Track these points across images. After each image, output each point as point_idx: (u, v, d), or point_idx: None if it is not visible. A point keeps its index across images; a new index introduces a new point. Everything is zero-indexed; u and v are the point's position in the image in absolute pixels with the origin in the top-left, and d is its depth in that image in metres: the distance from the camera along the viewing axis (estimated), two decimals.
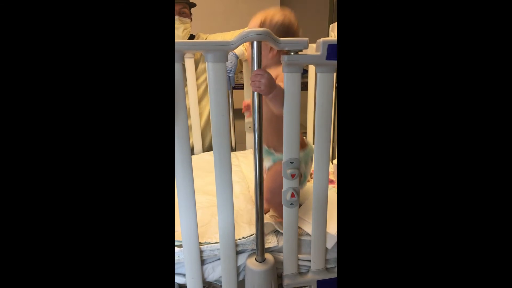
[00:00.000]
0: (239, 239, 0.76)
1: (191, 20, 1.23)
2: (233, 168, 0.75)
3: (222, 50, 0.58)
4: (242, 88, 1.40)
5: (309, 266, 0.79)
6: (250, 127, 1.42)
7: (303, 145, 0.87)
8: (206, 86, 1.33)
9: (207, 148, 1.41)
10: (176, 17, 1.15)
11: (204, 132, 1.38)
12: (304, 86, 1.31)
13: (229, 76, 1.09)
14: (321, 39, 0.60)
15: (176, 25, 1.17)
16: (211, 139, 1.26)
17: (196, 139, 1.37)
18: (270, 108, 0.72)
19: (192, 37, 1.28)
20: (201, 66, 1.31)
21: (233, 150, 1.42)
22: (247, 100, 1.16)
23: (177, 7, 1.15)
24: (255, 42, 0.58)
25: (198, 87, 1.32)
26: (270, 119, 0.79)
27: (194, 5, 1.20)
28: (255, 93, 0.63)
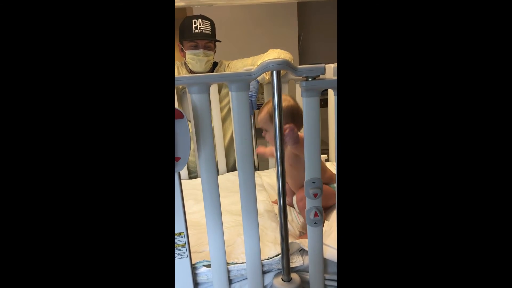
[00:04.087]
0: (265, 259, 0.78)
1: (215, 52, 1.31)
2: (257, 187, 0.78)
3: (244, 81, 0.63)
4: None
5: (336, 286, 0.78)
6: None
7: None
8: (229, 109, 1.40)
9: (231, 168, 1.45)
10: (201, 51, 1.24)
11: (228, 152, 1.43)
12: (324, 103, 1.34)
13: (251, 100, 1.14)
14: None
15: (200, 57, 1.25)
16: (234, 159, 1.29)
17: (220, 160, 1.42)
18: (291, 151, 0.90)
19: (215, 64, 1.36)
20: (224, 91, 1.38)
21: (256, 169, 1.45)
22: (261, 147, 1.21)
23: (203, 42, 1.24)
24: (274, 72, 0.62)
25: (221, 109, 1.38)
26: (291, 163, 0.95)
27: (219, 41, 1.29)
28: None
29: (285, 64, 0.61)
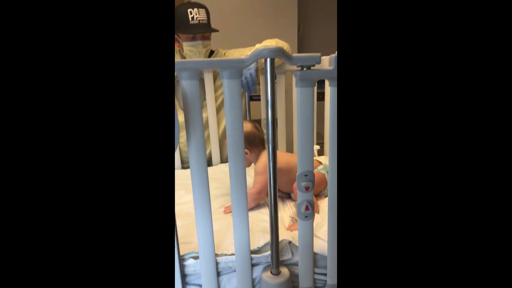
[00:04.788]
0: (254, 251, 0.76)
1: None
2: (248, 178, 0.77)
3: (236, 68, 0.60)
4: (259, 100, 1.43)
5: (325, 281, 0.78)
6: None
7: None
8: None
9: (226, 159, 1.43)
10: (200, 42, 1.20)
11: (222, 142, 1.41)
12: (321, 97, 1.32)
13: (250, 73, 1.08)
14: (334, 54, 0.61)
15: (199, 49, 1.22)
16: None
17: (214, 150, 1.40)
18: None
19: (211, 52, 1.33)
20: (220, 81, 1.36)
21: None
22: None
23: (200, 34, 1.20)
24: (268, 59, 0.60)
25: (216, 99, 1.36)
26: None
27: (217, 31, 1.25)
28: (268, 107, 0.65)
29: (279, 51, 0.58)
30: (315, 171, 1.03)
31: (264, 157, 0.99)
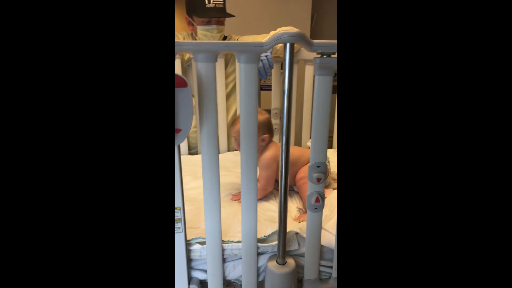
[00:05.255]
0: (261, 239, 0.76)
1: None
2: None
3: (254, 52, 0.58)
4: (270, 90, 1.40)
5: (331, 273, 0.77)
6: (276, 128, 1.41)
7: None
8: (234, 85, 1.35)
9: (233, 147, 1.42)
10: (215, 26, 1.18)
11: (230, 130, 1.40)
12: (334, 90, 1.29)
13: (266, 56, 1.05)
14: None
15: (214, 34, 1.19)
16: None
17: (221, 138, 1.39)
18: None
19: (224, 38, 1.31)
20: (231, 67, 1.33)
21: None
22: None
23: (215, 18, 1.17)
24: (288, 44, 0.58)
25: (226, 85, 1.34)
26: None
27: (233, 16, 1.22)
28: (285, 100, 0.63)
29: (300, 36, 0.56)
30: None
31: (270, 150, 0.97)
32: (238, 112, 1.35)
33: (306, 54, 1.13)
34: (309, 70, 1.26)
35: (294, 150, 0.99)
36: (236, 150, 1.31)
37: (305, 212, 0.92)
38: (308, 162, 1.05)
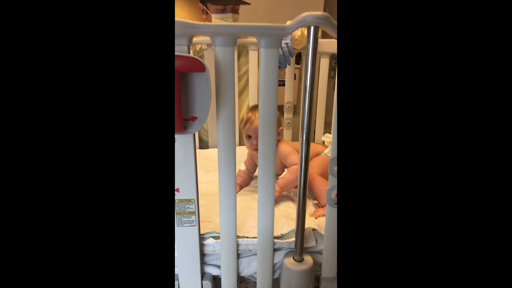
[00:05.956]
0: (277, 237, 0.73)
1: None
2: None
3: (276, 36, 0.55)
4: (283, 85, 1.36)
5: None
6: (288, 123, 1.38)
7: None
8: (247, 79, 1.32)
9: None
10: (230, 15, 1.15)
11: None
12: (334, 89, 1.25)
13: (286, 44, 1.01)
14: None
15: (229, 22, 1.16)
16: None
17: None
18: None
19: None
20: (244, 59, 1.30)
21: None
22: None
23: (230, 6, 1.15)
24: (312, 27, 0.54)
25: (239, 78, 1.31)
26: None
27: (249, 4, 1.19)
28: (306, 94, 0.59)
29: (326, 19, 0.53)
30: (322, 155, 1.02)
31: (283, 143, 0.96)
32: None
33: (320, 46, 1.09)
34: (324, 62, 1.22)
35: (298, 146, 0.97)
36: None
37: (321, 207, 0.89)
38: (317, 156, 1.03)
